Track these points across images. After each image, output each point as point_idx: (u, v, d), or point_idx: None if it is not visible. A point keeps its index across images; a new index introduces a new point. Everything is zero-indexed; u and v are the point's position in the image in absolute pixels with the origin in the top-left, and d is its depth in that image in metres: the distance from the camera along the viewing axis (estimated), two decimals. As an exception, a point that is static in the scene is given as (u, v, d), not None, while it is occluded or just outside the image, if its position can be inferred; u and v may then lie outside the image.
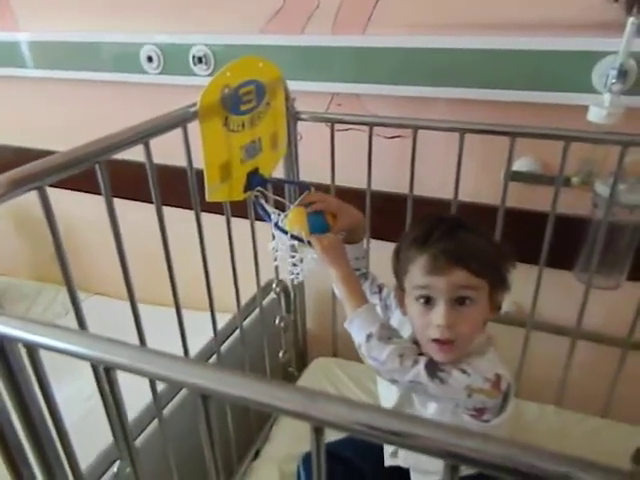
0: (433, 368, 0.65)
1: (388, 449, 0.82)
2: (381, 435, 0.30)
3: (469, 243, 0.68)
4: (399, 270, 0.73)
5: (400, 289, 0.74)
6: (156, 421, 0.81)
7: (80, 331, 0.53)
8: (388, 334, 0.68)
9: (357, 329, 0.69)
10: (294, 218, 0.80)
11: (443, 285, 0.66)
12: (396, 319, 0.80)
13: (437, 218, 0.73)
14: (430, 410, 0.73)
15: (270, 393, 0.32)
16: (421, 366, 0.65)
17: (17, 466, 0.52)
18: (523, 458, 0.27)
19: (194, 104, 0.69)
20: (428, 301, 0.68)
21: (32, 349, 0.42)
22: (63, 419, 0.50)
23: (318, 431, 0.32)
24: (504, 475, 0.28)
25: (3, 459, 0.51)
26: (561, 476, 0.26)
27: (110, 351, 0.36)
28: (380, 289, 0.85)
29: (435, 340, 0.66)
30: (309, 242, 0.76)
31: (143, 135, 0.64)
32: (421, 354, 0.68)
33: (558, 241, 0.92)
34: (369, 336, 0.67)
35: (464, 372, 0.65)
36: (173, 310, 0.79)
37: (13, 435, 0.50)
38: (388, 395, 0.79)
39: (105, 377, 0.40)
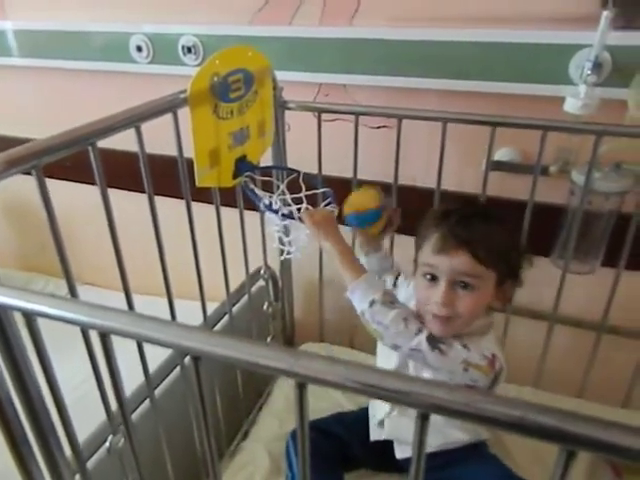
0: (435, 339, 0.68)
1: (374, 420, 0.86)
2: (358, 387, 0.32)
3: (481, 231, 0.69)
4: (417, 243, 0.77)
5: (415, 261, 0.77)
6: (147, 402, 0.84)
7: (76, 299, 0.55)
8: (390, 299, 0.71)
9: (359, 297, 0.71)
10: (367, 198, 0.83)
11: (446, 267, 0.69)
12: (401, 297, 0.83)
13: (463, 202, 0.76)
14: None
15: (257, 352, 0.35)
16: (423, 336, 0.68)
17: (16, 440, 0.54)
18: (483, 404, 0.30)
19: (184, 90, 0.70)
20: (433, 278, 0.71)
21: (30, 318, 0.44)
22: (60, 389, 0.52)
23: (301, 387, 0.35)
24: (469, 420, 0.31)
25: (3, 434, 0.53)
26: (517, 419, 0.29)
27: (105, 317, 0.38)
28: (398, 275, 0.90)
29: (434, 314, 0.70)
30: (300, 219, 0.78)
31: (135, 119, 0.66)
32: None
33: (536, 228, 0.95)
34: (372, 302, 0.69)
35: (465, 347, 0.68)
36: (162, 299, 0.80)
37: (12, 409, 0.52)
38: (386, 365, 0.82)
39: (101, 343, 0.42)
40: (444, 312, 0.69)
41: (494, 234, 0.70)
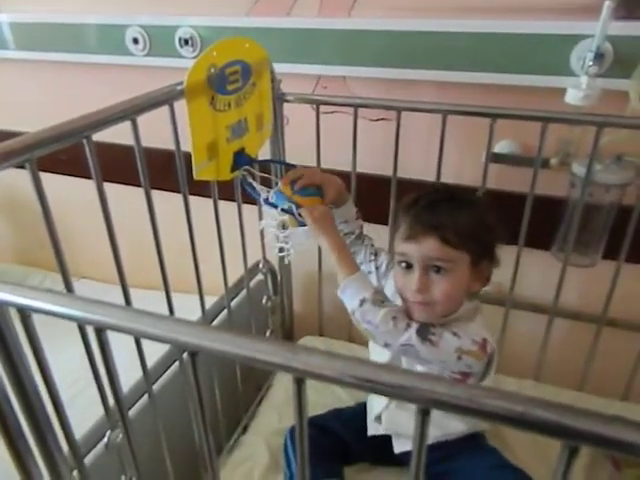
0: (425, 332, 0.67)
1: (372, 415, 0.85)
2: (357, 382, 0.32)
3: (449, 215, 0.69)
4: (391, 234, 0.78)
5: (389, 251, 0.78)
6: (145, 398, 0.83)
7: (72, 294, 0.54)
8: (381, 298, 0.71)
9: (350, 295, 0.71)
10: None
11: (416, 253, 0.69)
12: (390, 289, 0.83)
13: (432, 188, 0.76)
14: None
15: (254, 347, 0.34)
16: (413, 330, 0.67)
17: (13, 438, 0.53)
18: (485, 399, 0.29)
19: (181, 82, 0.69)
20: (408, 266, 0.71)
21: (25, 313, 0.43)
22: (57, 385, 0.51)
23: (300, 382, 0.34)
24: (471, 415, 0.31)
25: (0, 431, 0.52)
26: (519, 414, 0.29)
27: (102, 312, 0.38)
28: (376, 255, 0.87)
29: (412, 301, 0.71)
30: (300, 215, 0.78)
31: (130, 112, 0.65)
32: (412, 319, 0.70)
33: (537, 221, 0.95)
34: (362, 301, 0.69)
35: (455, 334, 0.68)
36: (160, 293, 0.80)
37: (8, 406, 0.51)
38: (379, 360, 0.81)
39: (97, 339, 0.42)
40: (419, 298, 0.70)
41: (461, 216, 0.70)
